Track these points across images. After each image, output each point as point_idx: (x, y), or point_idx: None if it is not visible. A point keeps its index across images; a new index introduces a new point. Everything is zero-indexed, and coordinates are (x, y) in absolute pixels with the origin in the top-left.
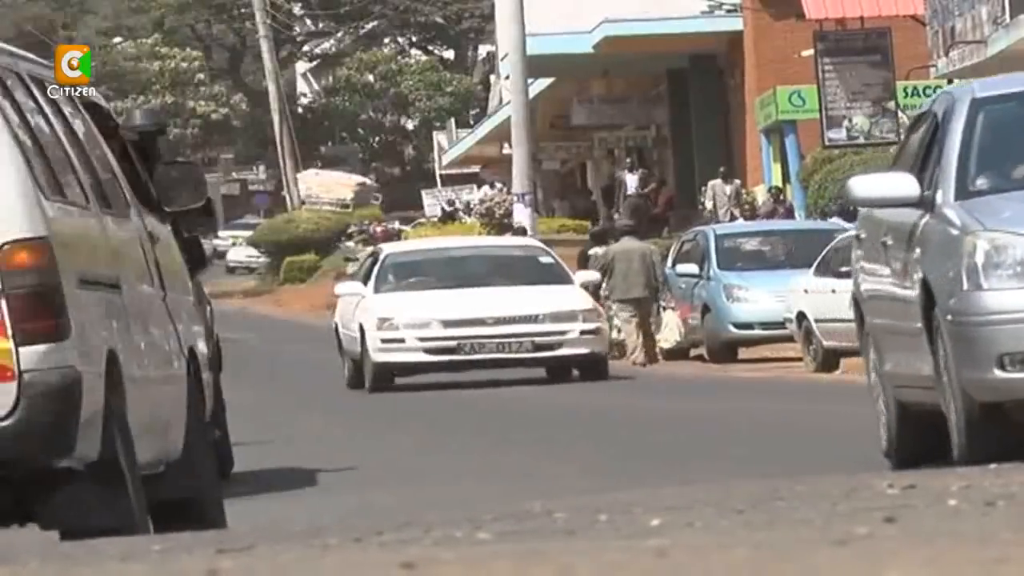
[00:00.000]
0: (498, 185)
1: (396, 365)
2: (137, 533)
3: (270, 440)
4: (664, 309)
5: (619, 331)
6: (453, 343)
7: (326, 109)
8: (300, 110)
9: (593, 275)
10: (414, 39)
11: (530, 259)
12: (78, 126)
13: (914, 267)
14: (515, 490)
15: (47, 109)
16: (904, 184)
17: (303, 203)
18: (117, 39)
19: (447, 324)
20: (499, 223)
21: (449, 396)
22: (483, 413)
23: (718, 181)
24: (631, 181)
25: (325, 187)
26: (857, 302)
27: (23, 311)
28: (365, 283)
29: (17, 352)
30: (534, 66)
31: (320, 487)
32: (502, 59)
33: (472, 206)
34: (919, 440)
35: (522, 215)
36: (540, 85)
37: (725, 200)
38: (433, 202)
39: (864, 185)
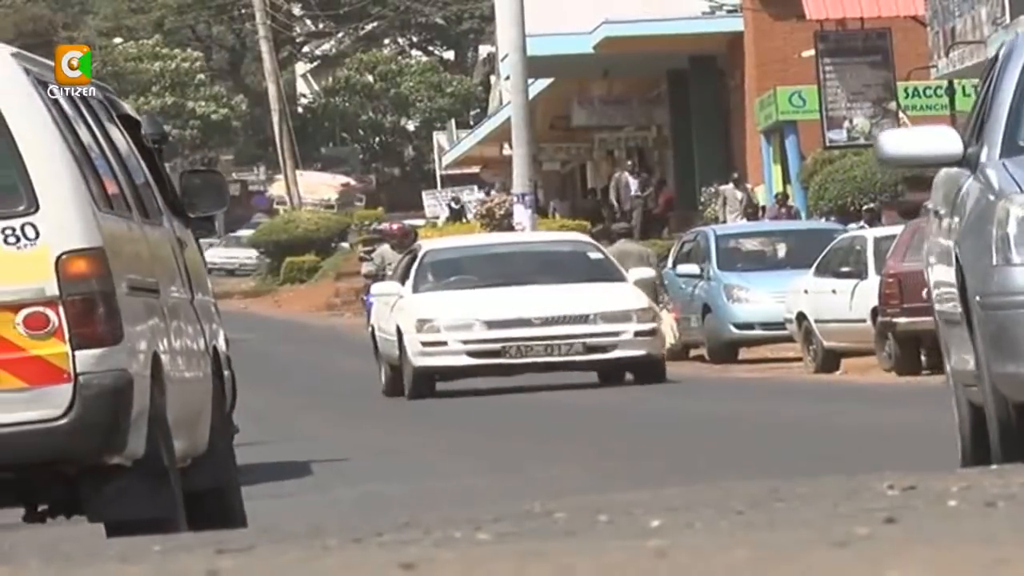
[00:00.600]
0: (493, 193)
1: (437, 369)
2: (177, 526)
3: (273, 440)
4: (661, 309)
5: None
6: (498, 346)
7: (326, 110)
8: (300, 111)
9: (648, 272)
10: (414, 40)
11: (579, 255)
12: (116, 136)
13: (952, 242)
14: (515, 490)
15: (90, 120)
16: (943, 139)
17: (281, 204)
18: (117, 40)
19: (491, 325)
20: (499, 224)
21: (459, 399)
22: (488, 410)
23: (730, 186)
24: (633, 183)
25: (309, 188)
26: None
27: (80, 317)
28: (403, 282)
29: (74, 355)
30: (534, 67)
31: (320, 487)
32: (502, 60)
33: (471, 207)
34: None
35: (522, 216)
36: (540, 86)
37: (737, 206)
38: (434, 203)
39: (896, 140)
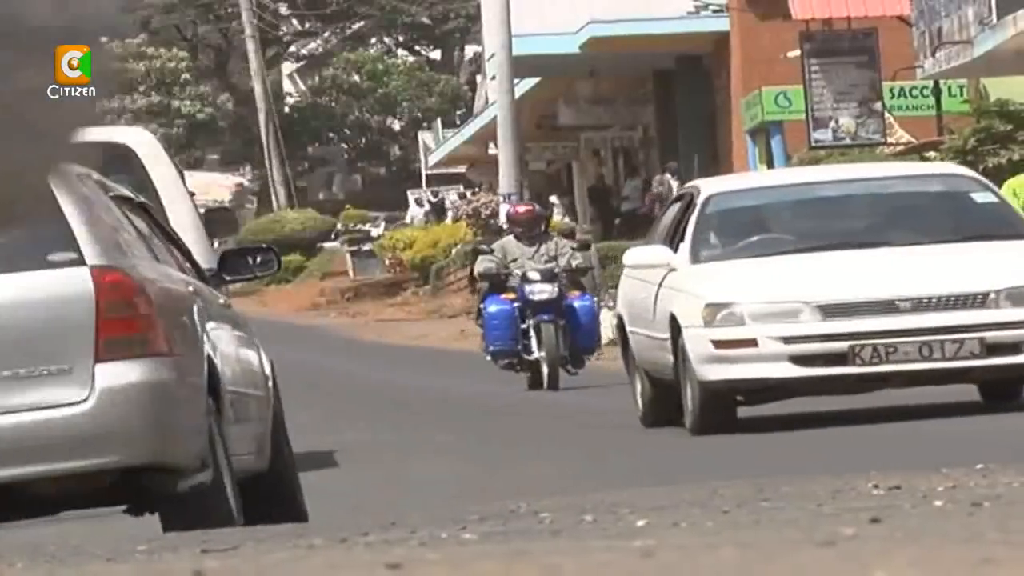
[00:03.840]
0: (471, 193)
1: (741, 386)
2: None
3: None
4: (602, 309)
5: None
6: (842, 345)
7: (312, 109)
8: (286, 110)
9: None
10: (400, 39)
11: (958, 198)
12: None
13: None
14: (501, 489)
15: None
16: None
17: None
18: (103, 39)
19: (828, 312)
20: (485, 223)
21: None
22: (459, 409)
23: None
24: (675, 184)
25: (202, 187)
26: None
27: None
28: (673, 245)
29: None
30: (520, 66)
31: (306, 487)
32: (488, 59)
33: (451, 204)
34: None
35: None
36: (526, 85)
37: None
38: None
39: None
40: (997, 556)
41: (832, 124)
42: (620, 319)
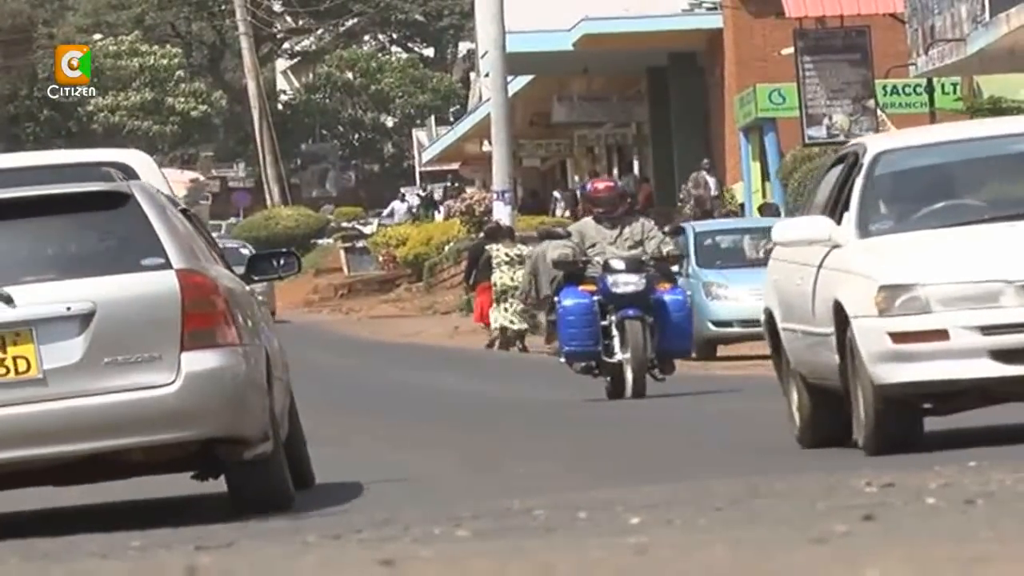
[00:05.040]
0: (458, 185)
1: (929, 388)
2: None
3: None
4: None
5: (511, 322)
6: None
7: (306, 106)
8: (280, 107)
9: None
10: (394, 36)
11: None
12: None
13: None
14: (495, 487)
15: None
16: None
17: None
18: (97, 36)
19: None
20: (479, 221)
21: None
22: (453, 406)
23: (703, 173)
24: (712, 182)
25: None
26: None
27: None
28: (835, 217)
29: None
30: (514, 63)
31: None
32: (482, 56)
33: (439, 200)
34: None
35: (502, 212)
36: (520, 82)
37: (706, 193)
38: (411, 199)
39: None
40: (989, 554)
41: (826, 121)
42: (769, 314)
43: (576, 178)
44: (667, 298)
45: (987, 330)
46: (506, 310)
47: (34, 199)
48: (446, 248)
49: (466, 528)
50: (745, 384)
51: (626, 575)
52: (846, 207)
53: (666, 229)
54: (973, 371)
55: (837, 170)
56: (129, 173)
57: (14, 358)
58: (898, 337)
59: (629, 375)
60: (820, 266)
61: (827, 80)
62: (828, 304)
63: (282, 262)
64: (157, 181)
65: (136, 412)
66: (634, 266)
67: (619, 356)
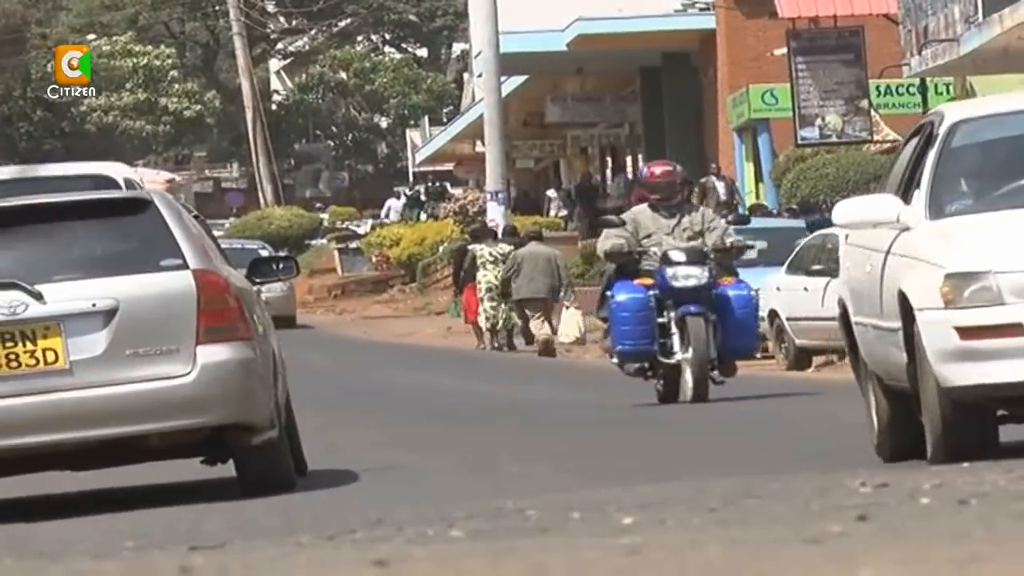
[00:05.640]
0: (440, 184)
1: (1004, 392)
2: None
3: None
4: (567, 308)
5: (487, 319)
6: None
7: (300, 106)
8: (274, 107)
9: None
10: (388, 37)
11: None
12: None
13: None
14: (488, 487)
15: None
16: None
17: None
18: (91, 36)
19: None
20: (472, 222)
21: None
22: (446, 407)
23: (711, 178)
24: (720, 186)
25: None
26: None
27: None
28: (907, 197)
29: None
30: (507, 64)
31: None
32: (475, 57)
33: (424, 201)
34: None
35: (496, 213)
36: (513, 83)
37: (718, 198)
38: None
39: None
40: (983, 554)
41: (819, 122)
42: (842, 306)
43: (567, 180)
44: (731, 293)
45: None
46: (493, 308)
47: (62, 204)
48: (440, 249)
49: (460, 528)
50: (737, 384)
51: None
52: (918, 184)
53: (730, 218)
54: None
55: (912, 144)
56: (111, 184)
57: (43, 350)
58: (966, 332)
59: (689, 377)
60: (888, 252)
61: (820, 80)
62: (894, 295)
63: (281, 266)
64: (135, 188)
65: (155, 400)
66: (696, 258)
67: (678, 356)
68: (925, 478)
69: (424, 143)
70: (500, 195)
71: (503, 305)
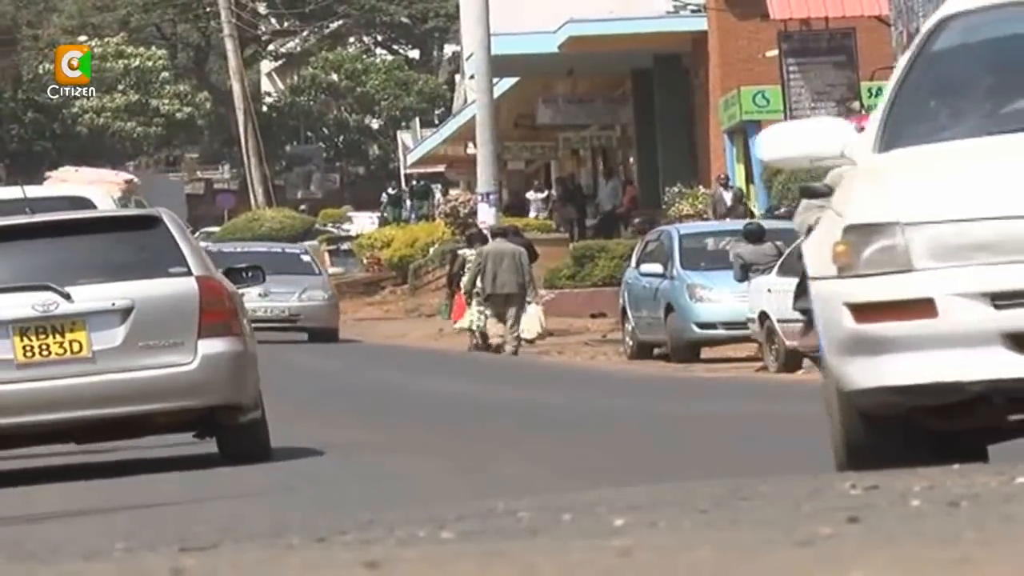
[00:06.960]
0: (422, 182)
1: (915, 395)
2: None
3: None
4: (529, 303)
5: (470, 322)
6: None
7: (291, 108)
8: (265, 109)
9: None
10: (379, 38)
11: None
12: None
13: None
14: (479, 488)
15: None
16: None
17: None
18: (82, 38)
19: None
20: (463, 223)
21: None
22: (437, 408)
23: (719, 189)
24: (727, 196)
25: (91, 184)
26: None
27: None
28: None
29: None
30: (499, 66)
31: (283, 485)
32: (467, 59)
33: (408, 199)
34: None
35: (487, 214)
36: (505, 85)
37: (725, 208)
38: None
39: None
40: (974, 556)
41: None
42: (802, 276)
43: (550, 182)
44: None
45: (999, 299)
46: (480, 313)
47: (88, 220)
48: (431, 250)
49: (450, 530)
50: (728, 386)
51: None
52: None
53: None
54: (980, 367)
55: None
56: (87, 204)
57: (71, 341)
58: (860, 311)
59: None
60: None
61: (812, 82)
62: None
63: (250, 274)
64: (109, 204)
65: (163, 384)
66: None
67: None
68: (915, 480)
69: (415, 145)
70: (491, 197)
71: (479, 307)
